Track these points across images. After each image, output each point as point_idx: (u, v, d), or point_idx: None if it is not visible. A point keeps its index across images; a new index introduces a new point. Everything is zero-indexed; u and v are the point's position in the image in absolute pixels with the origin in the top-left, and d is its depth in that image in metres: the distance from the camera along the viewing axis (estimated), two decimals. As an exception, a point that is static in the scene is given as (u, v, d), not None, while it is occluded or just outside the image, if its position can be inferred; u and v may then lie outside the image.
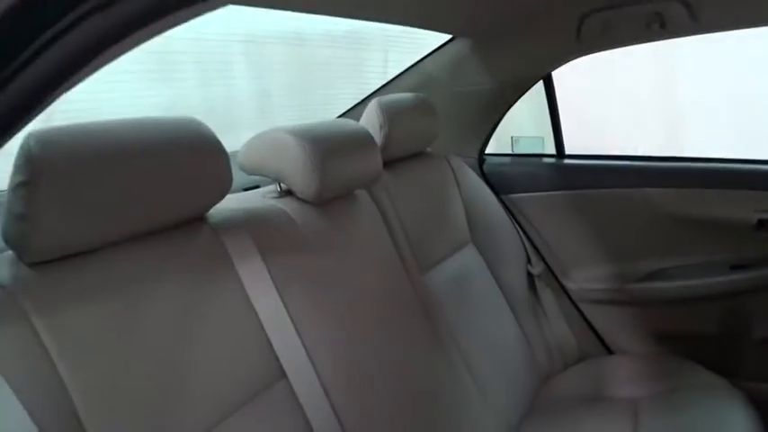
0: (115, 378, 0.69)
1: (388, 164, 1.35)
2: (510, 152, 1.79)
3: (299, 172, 1.02)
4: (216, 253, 0.87)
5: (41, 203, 0.63)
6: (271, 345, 0.87)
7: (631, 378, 1.51)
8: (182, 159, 0.78)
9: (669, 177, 1.53)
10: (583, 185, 1.63)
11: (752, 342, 1.53)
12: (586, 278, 1.68)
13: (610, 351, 1.69)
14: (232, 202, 0.98)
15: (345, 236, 1.11)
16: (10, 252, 0.70)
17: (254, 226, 0.93)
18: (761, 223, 1.42)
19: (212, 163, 0.83)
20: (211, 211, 0.91)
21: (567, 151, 1.71)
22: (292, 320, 0.90)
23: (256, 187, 1.23)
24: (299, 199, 1.07)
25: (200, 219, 0.89)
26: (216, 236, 0.88)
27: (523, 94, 1.65)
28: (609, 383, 1.52)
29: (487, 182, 1.69)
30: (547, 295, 1.67)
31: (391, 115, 1.31)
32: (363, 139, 1.14)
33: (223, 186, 0.86)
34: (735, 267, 1.50)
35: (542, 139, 1.70)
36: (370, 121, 1.32)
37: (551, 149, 1.71)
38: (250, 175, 1.12)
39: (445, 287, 1.35)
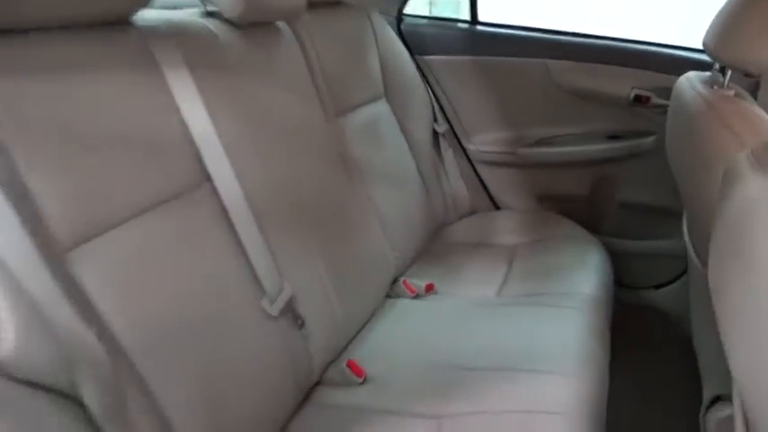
0: (50, 137, 0.73)
1: (310, 6, 1.37)
2: (428, 14, 1.85)
3: None
4: (143, 58, 0.89)
5: None
6: (197, 149, 0.93)
7: (512, 229, 1.73)
8: None
9: (567, 51, 1.67)
10: (491, 53, 1.74)
11: (615, 203, 1.78)
12: (484, 141, 1.84)
13: (497, 207, 1.89)
14: (156, 15, 0.99)
15: (267, 64, 1.16)
16: None
17: (182, 38, 0.95)
18: (637, 98, 1.61)
19: None
20: (138, 18, 0.92)
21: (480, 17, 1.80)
22: (217, 132, 0.96)
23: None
24: (223, 20, 1.09)
25: (126, 23, 0.90)
26: (144, 41, 0.90)
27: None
28: (493, 233, 1.73)
29: (404, 41, 1.75)
30: (448, 153, 1.82)
31: None
32: None
33: None
34: (610, 138, 1.71)
35: (458, 2, 1.76)
36: None
37: (466, 14, 1.78)
38: None
39: (357, 132, 1.44)
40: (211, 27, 1.04)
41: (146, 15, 0.94)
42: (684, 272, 1.73)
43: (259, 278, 0.99)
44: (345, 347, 1.22)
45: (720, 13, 1.04)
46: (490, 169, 1.86)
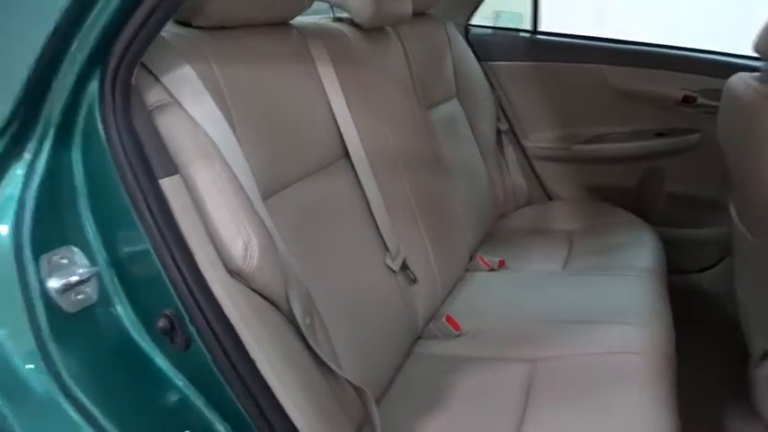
0: (252, 111, 0.93)
1: None
2: (492, 25, 2.05)
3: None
4: (303, 53, 1.10)
5: None
6: (339, 130, 1.14)
7: (569, 217, 1.92)
8: None
9: (621, 56, 1.87)
10: (550, 59, 1.94)
11: (663, 194, 1.96)
12: (541, 138, 2.03)
13: (550, 198, 2.08)
14: (302, 20, 1.20)
15: (382, 61, 1.37)
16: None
17: (327, 39, 1.16)
18: (685, 98, 1.80)
19: None
20: (294, 21, 1.13)
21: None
22: (351, 116, 1.16)
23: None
24: (350, 25, 1.30)
25: (287, 24, 1.11)
26: (303, 40, 1.11)
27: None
28: (551, 220, 1.92)
29: (471, 48, 1.95)
30: (509, 149, 2.01)
31: None
32: None
33: None
34: (658, 135, 1.90)
35: (522, 15, 1.97)
36: None
37: (528, 25, 1.99)
38: None
39: (441, 124, 1.64)
40: (343, 29, 1.25)
41: (297, 19, 1.15)
42: (723, 257, 1.90)
43: (384, 239, 1.18)
44: (440, 307, 1.41)
45: None
46: (545, 164, 2.05)
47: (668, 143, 1.88)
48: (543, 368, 1.15)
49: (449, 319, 1.32)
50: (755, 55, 1.52)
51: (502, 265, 1.63)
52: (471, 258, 1.64)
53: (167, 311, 0.73)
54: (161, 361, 0.76)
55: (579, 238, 1.77)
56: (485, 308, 1.41)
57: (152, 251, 0.71)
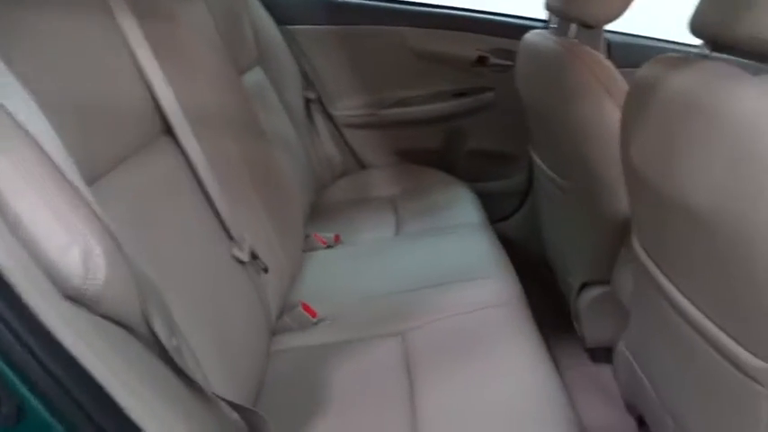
0: (46, 73, 0.70)
1: None
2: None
3: None
4: (97, 1, 0.85)
5: None
6: (155, 98, 0.91)
7: (386, 183, 1.90)
8: None
9: (420, 19, 1.87)
10: (349, 22, 1.87)
11: (463, 152, 2.05)
12: (348, 106, 1.96)
13: (363, 166, 2.04)
14: None
15: (188, 16, 1.14)
16: None
17: None
18: (479, 59, 1.89)
19: None
20: None
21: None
22: (167, 81, 0.94)
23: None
24: None
25: None
26: None
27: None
28: (371, 188, 1.88)
29: (267, 10, 1.78)
30: (318, 118, 1.91)
31: None
32: None
33: None
34: (456, 95, 1.97)
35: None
36: None
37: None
38: None
39: (254, 91, 1.47)
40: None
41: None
42: (521, 205, 2.07)
43: (227, 227, 1.00)
44: (289, 296, 1.27)
45: None
46: (354, 132, 2.00)
47: (466, 103, 1.96)
48: (413, 339, 1.10)
49: (304, 306, 1.19)
50: (538, 17, 1.64)
51: (337, 240, 1.54)
52: (306, 237, 1.52)
53: (-22, 373, 0.48)
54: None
55: (402, 203, 1.76)
56: (335, 288, 1.32)
57: None
